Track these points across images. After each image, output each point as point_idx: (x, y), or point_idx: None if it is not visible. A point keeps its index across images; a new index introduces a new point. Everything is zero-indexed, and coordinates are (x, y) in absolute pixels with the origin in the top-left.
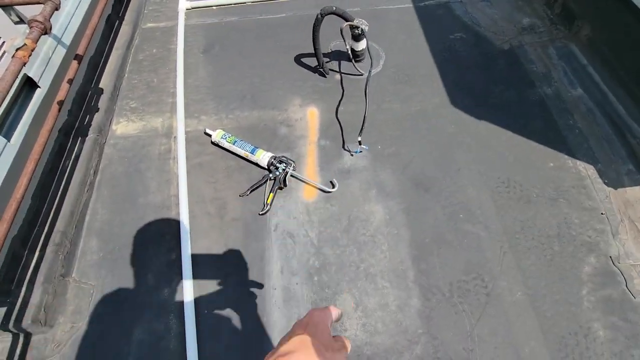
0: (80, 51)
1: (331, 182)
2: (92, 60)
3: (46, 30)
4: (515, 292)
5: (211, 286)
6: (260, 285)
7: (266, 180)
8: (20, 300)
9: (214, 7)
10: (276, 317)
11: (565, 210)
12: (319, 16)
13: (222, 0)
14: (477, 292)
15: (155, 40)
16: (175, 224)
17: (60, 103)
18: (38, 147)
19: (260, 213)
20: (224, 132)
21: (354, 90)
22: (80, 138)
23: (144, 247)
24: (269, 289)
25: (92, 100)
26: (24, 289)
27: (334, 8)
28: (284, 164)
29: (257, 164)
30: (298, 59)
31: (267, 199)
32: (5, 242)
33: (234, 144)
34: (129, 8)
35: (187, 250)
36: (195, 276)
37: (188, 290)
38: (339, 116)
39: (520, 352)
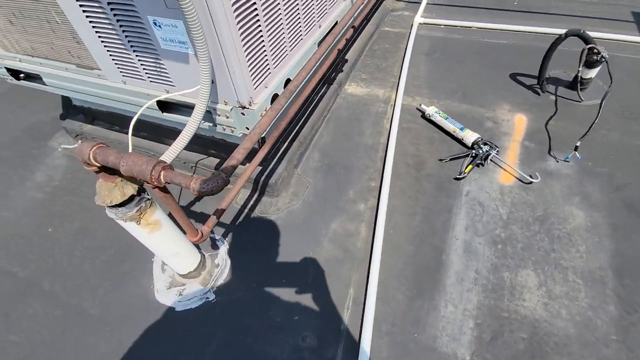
0: (346, 35)
1: (531, 175)
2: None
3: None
4: None
5: (400, 215)
6: (444, 230)
7: (468, 155)
8: (269, 167)
9: (442, 26)
10: (453, 259)
11: None
12: (563, 35)
13: (450, 22)
14: None
15: (389, 39)
16: (379, 162)
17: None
18: (313, 82)
19: (457, 177)
20: (437, 109)
21: (567, 112)
22: (327, 85)
23: (351, 169)
24: (452, 237)
25: (339, 65)
26: (274, 160)
27: (582, 31)
28: (488, 146)
29: (460, 141)
30: (513, 76)
31: (465, 169)
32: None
33: (445, 119)
34: (374, 14)
35: (386, 183)
36: (388, 204)
37: (381, 211)
38: (548, 127)
39: None
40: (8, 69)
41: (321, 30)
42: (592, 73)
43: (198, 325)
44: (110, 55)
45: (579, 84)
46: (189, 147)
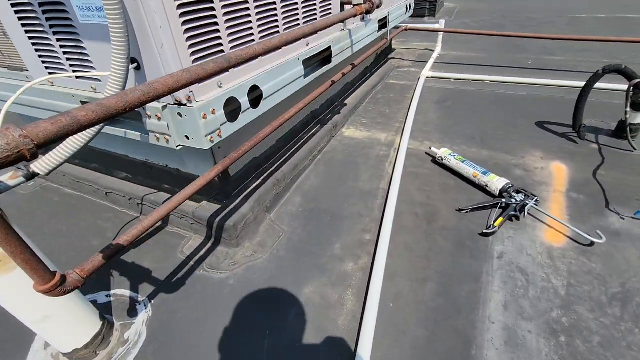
0: (349, 74)
1: (591, 234)
2: (349, 84)
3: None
4: None
5: (404, 280)
6: (470, 308)
7: (496, 205)
8: (231, 206)
9: (452, 79)
10: (491, 357)
11: None
12: (600, 71)
13: (460, 76)
14: None
15: (394, 90)
16: (377, 210)
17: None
18: (294, 110)
19: (484, 232)
20: (451, 151)
21: (618, 162)
22: (320, 125)
23: (341, 218)
24: (484, 319)
25: (337, 107)
26: (239, 198)
27: (623, 66)
28: (523, 195)
29: (483, 188)
30: (540, 124)
31: (495, 222)
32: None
33: (462, 162)
34: (380, 69)
35: (385, 236)
36: (387, 266)
37: (377, 274)
38: (597, 178)
39: None
40: None
41: (308, 49)
42: None
43: None
44: (31, 41)
45: (628, 130)
46: (135, 179)
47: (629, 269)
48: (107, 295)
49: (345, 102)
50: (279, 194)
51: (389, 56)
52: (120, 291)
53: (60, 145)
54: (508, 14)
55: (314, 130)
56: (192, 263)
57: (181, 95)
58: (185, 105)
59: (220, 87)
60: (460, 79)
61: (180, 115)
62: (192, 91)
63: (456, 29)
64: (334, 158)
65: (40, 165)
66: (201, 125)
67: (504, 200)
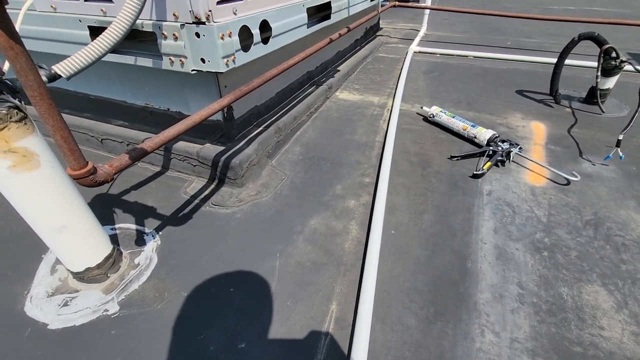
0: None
1: (573, 172)
2: (341, 52)
3: None
4: None
5: (404, 213)
6: (465, 232)
7: (484, 153)
8: (234, 148)
9: (438, 54)
10: (484, 268)
11: None
12: (575, 38)
13: (446, 51)
14: None
15: (384, 62)
16: (375, 159)
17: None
18: (298, 57)
19: (474, 173)
20: (442, 109)
21: (589, 122)
22: (316, 86)
23: (340, 165)
24: (477, 241)
25: (330, 72)
26: (242, 141)
27: (596, 34)
28: (508, 144)
29: (471, 140)
30: (520, 92)
31: (484, 165)
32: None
33: (452, 117)
34: (369, 44)
35: (384, 178)
36: (388, 201)
37: (379, 208)
38: (572, 134)
39: None
40: None
41: None
42: (611, 83)
43: (77, 351)
44: None
45: (598, 94)
46: (135, 125)
47: (599, 202)
48: (112, 229)
49: (338, 68)
50: (280, 143)
51: (377, 34)
52: (126, 225)
53: (84, 48)
54: (487, 2)
55: (309, 90)
56: (196, 201)
57: (201, 11)
58: (204, 23)
59: (235, 13)
60: (445, 54)
61: (198, 36)
62: (211, 10)
63: (443, 6)
64: (330, 116)
65: (63, 67)
66: (219, 45)
67: (491, 148)
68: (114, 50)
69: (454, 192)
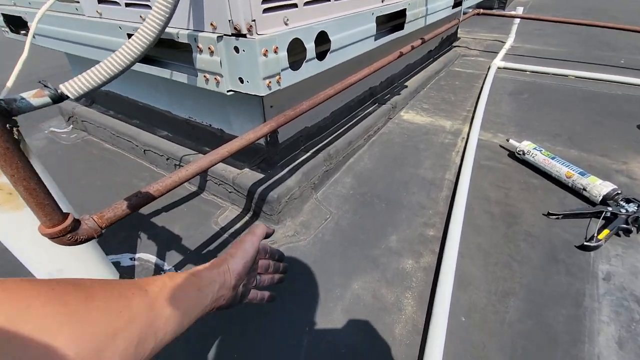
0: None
1: None
2: (410, 65)
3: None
4: None
5: (480, 292)
6: (572, 339)
7: (599, 214)
8: (275, 177)
9: (529, 72)
10: None
11: None
12: None
13: (539, 68)
14: None
15: (460, 77)
16: (442, 204)
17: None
18: (360, 74)
19: (584, 244)
20: (536, 145)
21: None
22: (378, 104)
23: (398, 206)
24: (591, 357)
25: (396, 88)
26: (284, 170)
27: None
28: (636, 205)
29: (578, 192)
30: None
31: (600, 234)
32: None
33: (552, 159)
34: (443, 56)
35: (455, 234)
36: (458, 269)
37: (446, 278)
38: None
39: None
40: (4, 17)
41: (383, 5)
42: None
43: None
44: None
45: None
46: (176, 138)
47: None
48: (131, 258)
49: (406, 84)
50: (329, 172)
51: (454, 44)
52: (146, 255)
53: (92, 68)
54: (589, 12)
55: (370, 109)
56: (225, 235)
57: (241, 20)
58: (244, 36)
59: (286, 23)
60: (538, 72)
61: (237, 50)
62: (254, 19)
63: (537, 15)
64: (392, 140)
65: (71, 87)
66: (260, 64)
67: (609, 208)
68: (153, 59)
69: (554, 269)
